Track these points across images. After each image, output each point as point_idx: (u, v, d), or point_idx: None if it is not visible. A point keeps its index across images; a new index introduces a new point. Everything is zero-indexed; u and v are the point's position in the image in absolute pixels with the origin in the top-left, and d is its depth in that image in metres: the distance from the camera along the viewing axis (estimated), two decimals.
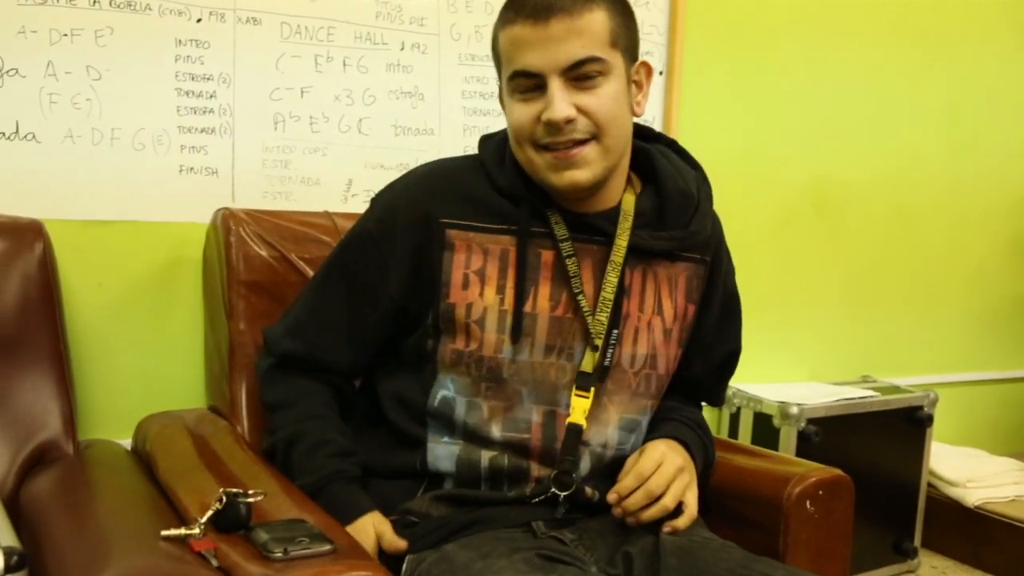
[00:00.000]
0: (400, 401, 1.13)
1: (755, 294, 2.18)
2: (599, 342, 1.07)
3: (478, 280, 1.07)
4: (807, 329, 2.29)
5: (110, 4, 1.38)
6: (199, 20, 1.45)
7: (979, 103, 2.46)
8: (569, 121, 1.00)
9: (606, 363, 1.09)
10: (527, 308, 1.06)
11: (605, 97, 1.01)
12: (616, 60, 1.02)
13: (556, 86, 0.99)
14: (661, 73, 1.94)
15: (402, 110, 1.64)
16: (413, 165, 1.62)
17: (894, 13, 2.27)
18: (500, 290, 1.06)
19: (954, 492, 2.29)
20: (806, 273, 2.26)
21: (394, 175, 1.63)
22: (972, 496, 2.26)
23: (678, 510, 1.07)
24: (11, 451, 1.16)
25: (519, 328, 1.06)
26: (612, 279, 1.08)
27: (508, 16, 1.02)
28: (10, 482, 1.14)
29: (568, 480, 1.06)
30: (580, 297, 1.07)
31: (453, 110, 1.69)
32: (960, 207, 2.49)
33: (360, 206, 1.59)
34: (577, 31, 0.98)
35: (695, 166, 1.19)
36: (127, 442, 1.36)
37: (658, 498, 1.06)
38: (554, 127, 1.00)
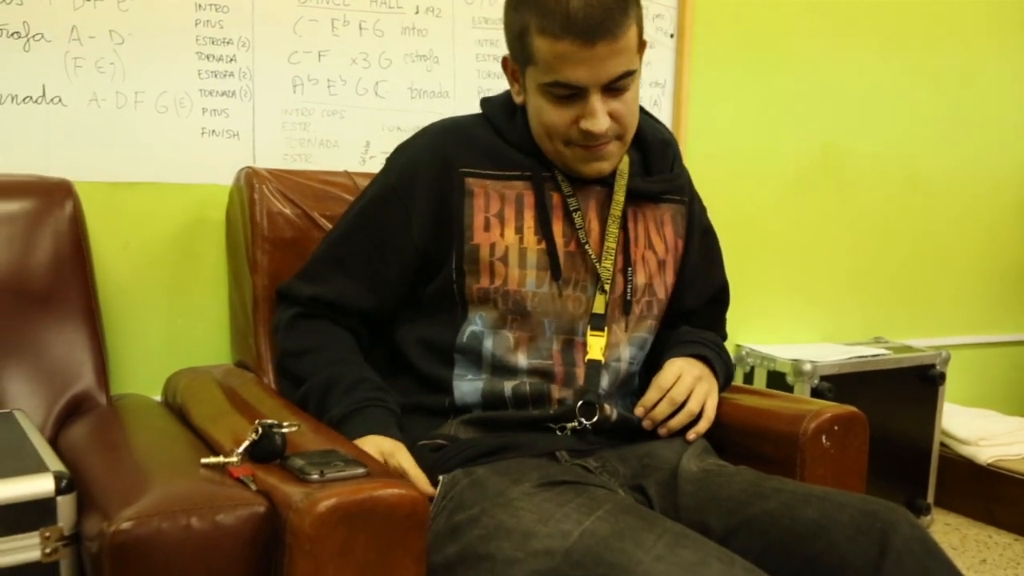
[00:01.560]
0: (426, 345, 1.18)
1: (768, 257, 2.21)
2: (608, 286, 1.16)
3: (498, 222, 1.15)
4: (820, 292, 2.32)
5: None
6: None
7: (991, 71, 2.47)
8: (605, 132, 1.10)
9: (628, 298, 1.19)
10: (544, 244, 1.15)
11: (631, 101, 1.12)
12: (638, 59, 1.11)
13: (597, 99, 1.08)
14: (672, 36, 1.95)
15: (417, 73, 1.67)
16: None
17: None
18: (518, 230, 1.15)
19: (966, 451, 2.32)
20: (818, 237, 2.28)
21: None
22: (984, 454, 2.29)
23: (697, 417, 1.17)
24: (48, 401, 1.20)
25: (557, 265, 1.14)
26: (613, 231, 1.18)
27: (552, 30, 1.04)
28: (48, 430, 1.18)
29: (592, 410, 1.13)
30: (586, 245, 1.16)
31: (467, 73, 1.71)
32: (972, 173, 2.50)
33: (378, 167, 1.62)
34: (618, 51, 1.05)
35: (660, 122, 1.31)
36: (156, 398, 1.39)
37: (682, 405, 1.16)
38: (593, 136, 1.09)
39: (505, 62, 1.17)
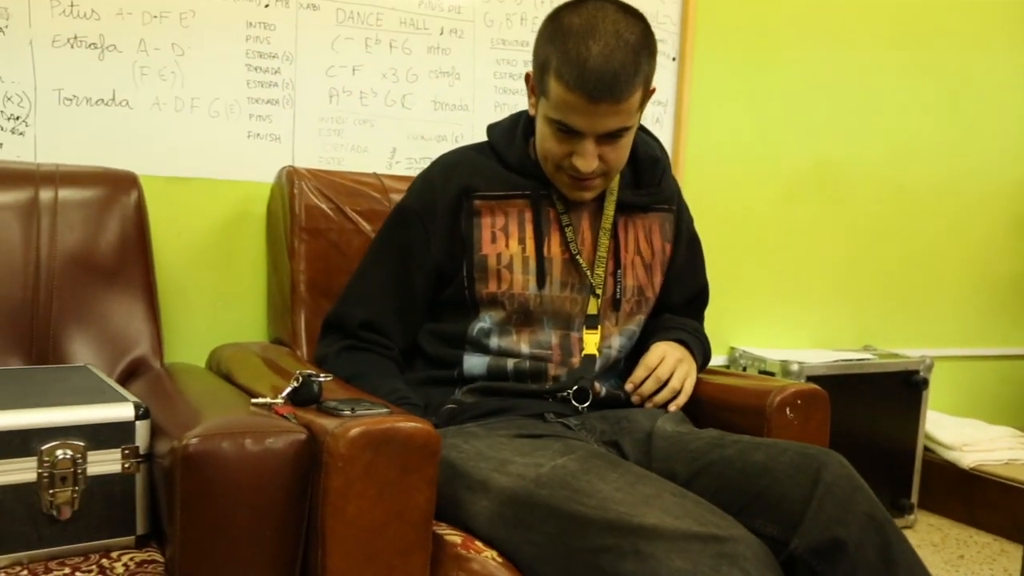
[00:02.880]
0: (439, 336, 1.35)
1: (762, 267, 2.36)
2: (599, 291, 1.33)
3: (503, 235, 1.32)
4: (812, 302, 2.45)
5: None
6: (267, 5, 1.67)
7: (981, 88, 2.59)
8: (592, 171, 1.24)
9: (618, 297, 1.35)
10: (544, 253, 1.31)
11: (623, 148, 1.26)
12: (638, 116, 1.25)
13: (590, 144, 1.22)
14: (674, 59, 2.13)
15: (441, 88, 1.85)
16: (450, 137, 1.86)
17: (898, 2, 2.43)
18: (521, 241, 1.32)
19: (950, 455, 2.43)
20: (810, 248, 2.41)
21: (433, 145, 1.86)
22: (967, 459, 2.40)
23: (678, 393, 1.34)
24: (111, 363, 1.38)
25: (543, 273, 1.30)
26: (604, 241, 1.34)
27: (566, 78, 1.17)
28: None
29: (585, 395, 1.30)
30: (577, 255, 1.32)
31: (485, 88, 1.90)
32: (961, 189, 2.62)
33: (403, 171, 1.81)
34: (619, 111, 1.19)
35: (655, 138, 1.47)
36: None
37: (665, 383, 1.33)
38: (580, 172, 1.24)
39: (528, 77, 1.31)
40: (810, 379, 2.13)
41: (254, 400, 1.05)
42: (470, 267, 1.31)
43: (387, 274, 1.36)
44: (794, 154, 2.34)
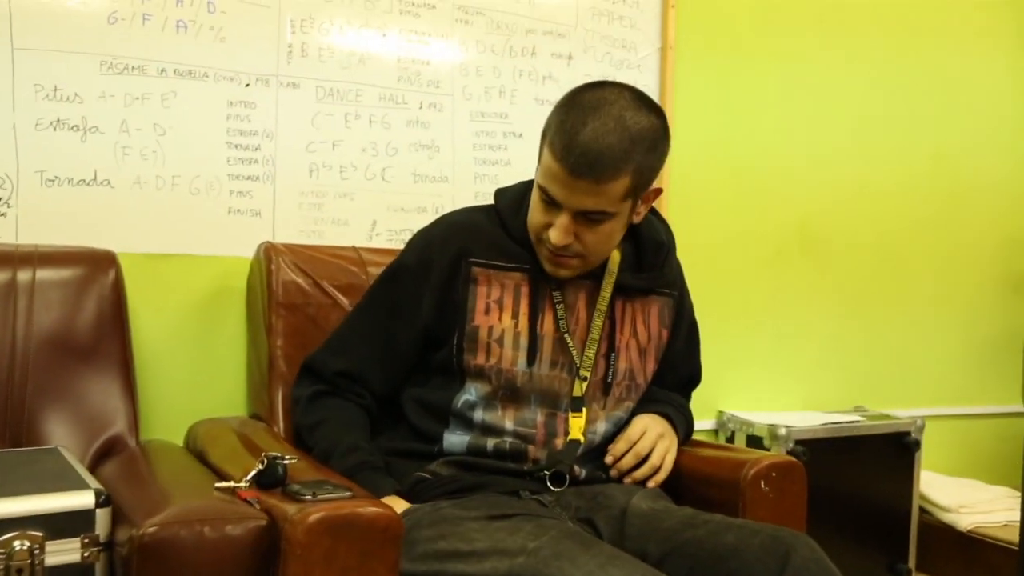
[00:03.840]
0: (423, 405, 1.34)
1: (749, 327, 2.35)
2: (586, 373, 1.31)
3: (497, 307, 1.31)
4: (801, 361, 2.43)
5: (175, 72, 1.64)
6: (247, 85, 1.71)
7: (966, 144, 2.62)
8: (564, 246, 1.24)
9: (609, 380, 1.34)
10: (537, 330, 1.30)
11: (602, 234, 1.24)
12: (623, 207, 1.23)
13: (566, 218, 1.21)
14: None
15: (420, 160, 1.88)
16: (430, 209, 1.88)
17: (883, 61, 2.47)
18: (515, 315, 1.31)
19: (947, 517, 2.39)
20: (797, 307, 2.40)
21: (414, 217, 1.88)
22: (965, 521, 2.36)
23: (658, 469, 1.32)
24: (85, 442, 1.38)
25: (535, 351, 1.29)
26: (598, 323, 1.33)
27: (555, 148, 1.18)
28: (85, 467, 1.35)
29: (562, 480, 1.28)
30: (566, 335, 1.31)
31: (465, 160, 1.93)
32: (948, 245, 2.62)
33: (384, 243, 1.83)
34: (596, 192, 1.18)
35: (663, 220, 1.46)
36: (179, 444, 1.57)
37: (645, 458, 1.31)
38: (552, 244, 1.23)
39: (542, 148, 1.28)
40: (799, 443, 2.11)
41: (218, 484, 1.05)
42: (460, 336, 1.30)
43: (372, 326, 1.36)
44: (780, 216, 2.36)
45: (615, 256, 1.35)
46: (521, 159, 1.98)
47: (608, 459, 1.34)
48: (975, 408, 2.71)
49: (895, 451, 2.30)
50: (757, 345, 2.36)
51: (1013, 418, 2.77)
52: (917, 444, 2.31)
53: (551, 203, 1.22)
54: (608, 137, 1.15)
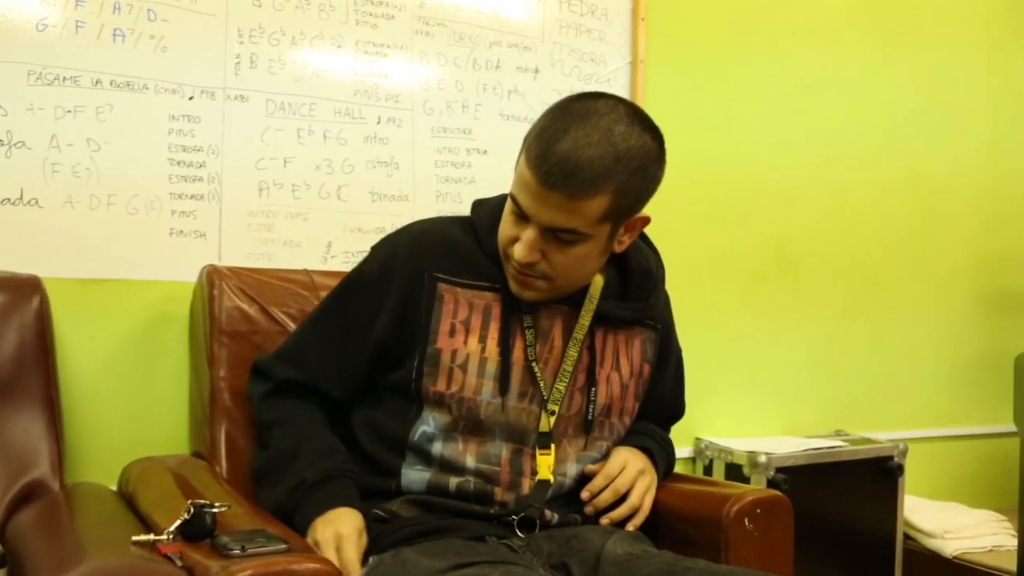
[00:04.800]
0: (377, 433, 1.23)
1: (727, 352, 2.27)
2: (554, 407, 1.20)
3: (463, 329, 1.19)
4: (780, 386, 2.36)
5: (111, 84, 1.53)
6: (191, 98, 1.60)
7: (943, 162, 2.58)
8: (528, 264, 1.13)
9: (589, 417, 1.23)
10: (509, 356, 1.19)
11: (572, 256, 1.13)
12: (600, 230, 1.12)
13: (532, 233, 1.11)
14: None
15: (379, 178, 1.78)
16: (389, 229, 1.76)
17: (859, 78, 2.42)
18: (482, 339, 1.19)
19: (932, 543, 2.32)
20: (775, 331, 2.34)
21: (372, 237, 1.77)
22: (950, 547, 2.29)
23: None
24: (4, 487, 1.24)
25: (507, 379, 1.17)
26: (572, 353, 1.21)
27: (531, 156, 1.08)
28: None
29: (532, 525, 1.17)
30: (534, 363, 1.20)
31: (426, 178, 1.82)
32: (927, 264, 2.58)
33: (339, 266, 1.71)
34: (568, 208, 1.07)
35: (654, 249, 1.34)
36: (112, 487, 1.43)
37: (624, 496, 1.20)
38: (515, 259, 1.13)
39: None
40: (780, 470, 2.02)
41: (135, 538, 0.93)
42: (421, 359, 1.18)
43: (325, 337, 1.26)
44: (756, 240, 2.29)
45: (598, 281, 1.24)
46: (485, 176, 1.88)
47: (584, 494, 1.23)
48: (956, 429, 2.67)
49: (878, 476, 2.22)
50: (734, 370, 2.28)
51: (995, 439, 2.72)
52: (900, 469, 2.23)
53: (521, 216, 1.12)
54: (589, 150, 1.05)
